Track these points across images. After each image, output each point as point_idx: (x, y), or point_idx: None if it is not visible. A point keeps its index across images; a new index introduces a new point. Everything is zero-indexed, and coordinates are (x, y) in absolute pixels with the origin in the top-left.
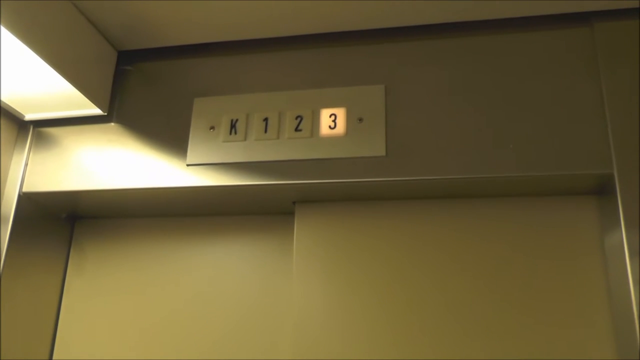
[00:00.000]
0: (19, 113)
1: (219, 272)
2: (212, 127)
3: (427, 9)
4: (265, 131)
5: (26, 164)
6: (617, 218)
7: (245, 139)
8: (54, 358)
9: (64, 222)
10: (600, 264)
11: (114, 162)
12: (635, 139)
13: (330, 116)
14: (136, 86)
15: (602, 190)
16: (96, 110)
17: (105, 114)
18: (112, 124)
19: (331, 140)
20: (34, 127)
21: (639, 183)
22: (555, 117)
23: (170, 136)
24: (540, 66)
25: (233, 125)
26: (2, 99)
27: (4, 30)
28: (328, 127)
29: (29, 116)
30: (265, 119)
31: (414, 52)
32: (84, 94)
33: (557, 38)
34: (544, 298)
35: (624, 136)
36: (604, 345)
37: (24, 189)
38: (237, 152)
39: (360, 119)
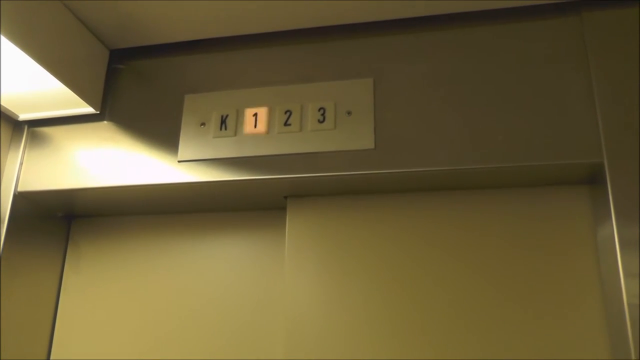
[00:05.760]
0: (13, 113)
1: (213, 268)
2: (203, 124)
3: (415, 1)
4: (255, 126)
5: (21, 164)
6: (607, 207)
7: (235, 135)
8: (51, 357)
9: (60, 221)
10: (592, 253)
11: (107, 160)
12: (625, 127)
13: (319, 110)
14: (128, 84)
15: (593, 179)
16: (89, 109)
17: (98, 112)
18: (105, 122)
19: (320, 134)
20: (28, 127)
21: (629, 171)
22: (544, 107)
23: (161, 133)
24: (529, 56)
25: (223, 121)
26: None
27: None
28: (317, 121)
29: (23, 116)
30: (255, 114)
31: (401, 45)
32: (76, 93)
33: (545, 28)
34: (535, 289)
35: (613, 125)
36: (595, 337)
37: (19, 188)
38: (228, 148)
39: (349, 113)
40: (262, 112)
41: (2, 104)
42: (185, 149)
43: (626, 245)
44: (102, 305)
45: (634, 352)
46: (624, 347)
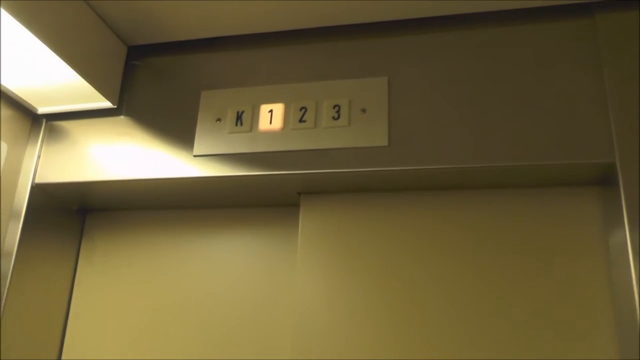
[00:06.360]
0: (32, 106)
1: (226, 264)
2: (219, 119)
3: (429, 2)
4: (270, 122)
5: (39, 156)
6: (620, 210)
7: (250, 130)
8: (64, 349)
9: (75, 215)
10: (603, 258)
11: (123, 154)
12: (638, 128)
13: (334, 107)
14: (145, 80)
15: (604, 180)
16: (106, 104)
17: (115, 107)
18: (122, 117)
19: (335, 130)
20: (46, 121)
21: None
22: (556, 107)
23: (177, 128)
24: (542, 57)
25: (239, 117)
26: (17, 92)
27: (18, 25)
28: (332, 118)
29: (41, 109)
30: (270, 111)
31: (416, 45)
32: (94, 87)
33: (559, 29)
34: (544, 294)
35: (626, 125)
36: (604, 347)
37: (37, 180)
38: (243, 143)
39: (364, 110)
40: (278, 108)
41: (23, 97)
42: (201, 144)
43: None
44: (115, 298)
45: None
46: (633, 354)
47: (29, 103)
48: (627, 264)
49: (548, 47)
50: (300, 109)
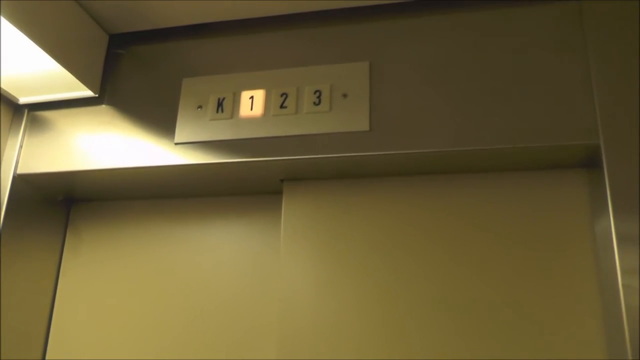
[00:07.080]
0: (14, 97)
1: (210, 252)
2: (200, 106)
3: None
4: (251, 109)
5: (21, 147)
6: (604, 190)
7: (231, 117)
8: (49, 341)
9: (60, 206)
10: (589, 243)
11: (105, 143)
12: (621, 110)
13: (315, 93)
14: (127, 68)
15: (590, 162)
16: (88, 93)
17: (97, 96)
18: (104, 105)
19: (316, 116)
20: (28, 111)
21: (625, 153)
22: (541, 91)
23: (159, 116)
24: (527, 40)
25: (220, 104)
26: None
27: None
28: (313, 104)
29: (23, 100)
30: (251, 97)
31: (398, 29)
32: (75, 75)
33: (544, 12)
34: (529, 281)
35: (610, 107)
36: (591, 335)
37: (19, 171)
38: (224, 130)
39: (345, 95)
40: (259, 94)
41: (3, 87)
42: (182, 131)
43: (624, 239)
44: (101, 289)
45: (631, 352)
46: (620, 347)
47: (10, 93)
48: (611, 247)
49: (534, 30)
50: (281, 95)
